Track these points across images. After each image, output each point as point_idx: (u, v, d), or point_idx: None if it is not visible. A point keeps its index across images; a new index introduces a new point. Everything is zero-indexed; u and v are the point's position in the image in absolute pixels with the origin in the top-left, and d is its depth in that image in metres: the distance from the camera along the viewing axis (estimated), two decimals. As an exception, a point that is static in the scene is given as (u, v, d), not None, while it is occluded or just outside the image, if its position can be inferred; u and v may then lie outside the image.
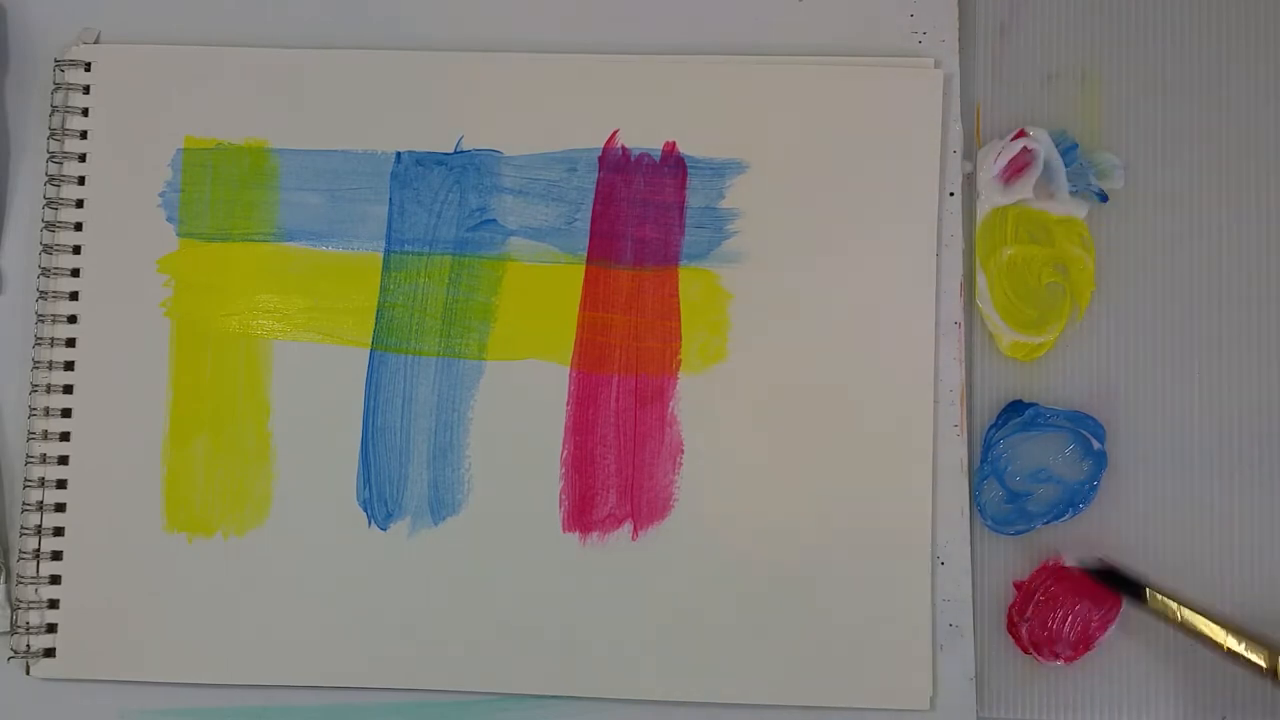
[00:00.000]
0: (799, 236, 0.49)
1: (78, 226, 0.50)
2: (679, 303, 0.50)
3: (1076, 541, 0.48)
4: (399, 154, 0.50)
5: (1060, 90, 0.51)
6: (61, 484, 0.49)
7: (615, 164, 0.50)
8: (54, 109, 0.50)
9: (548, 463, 0.49)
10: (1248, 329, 0.49)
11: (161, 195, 0.50)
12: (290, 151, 0.50)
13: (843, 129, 0.50)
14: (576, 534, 0.49)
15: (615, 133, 0.50)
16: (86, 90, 0.51)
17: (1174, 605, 0.46)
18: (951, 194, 0.50)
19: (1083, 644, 0.48)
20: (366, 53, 0.51)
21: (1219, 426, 0.49)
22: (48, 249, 0.50)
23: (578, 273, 0.50)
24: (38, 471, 0.49)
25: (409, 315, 0.50)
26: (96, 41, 0.51)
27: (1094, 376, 0.49)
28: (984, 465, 0.49)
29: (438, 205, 0.50)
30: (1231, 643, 0.45)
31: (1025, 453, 0.49)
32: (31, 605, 0.49)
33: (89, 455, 0.49)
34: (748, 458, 0.49)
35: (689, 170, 0.50)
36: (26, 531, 0.49)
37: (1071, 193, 0.50)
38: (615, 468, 0.49)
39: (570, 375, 0.49)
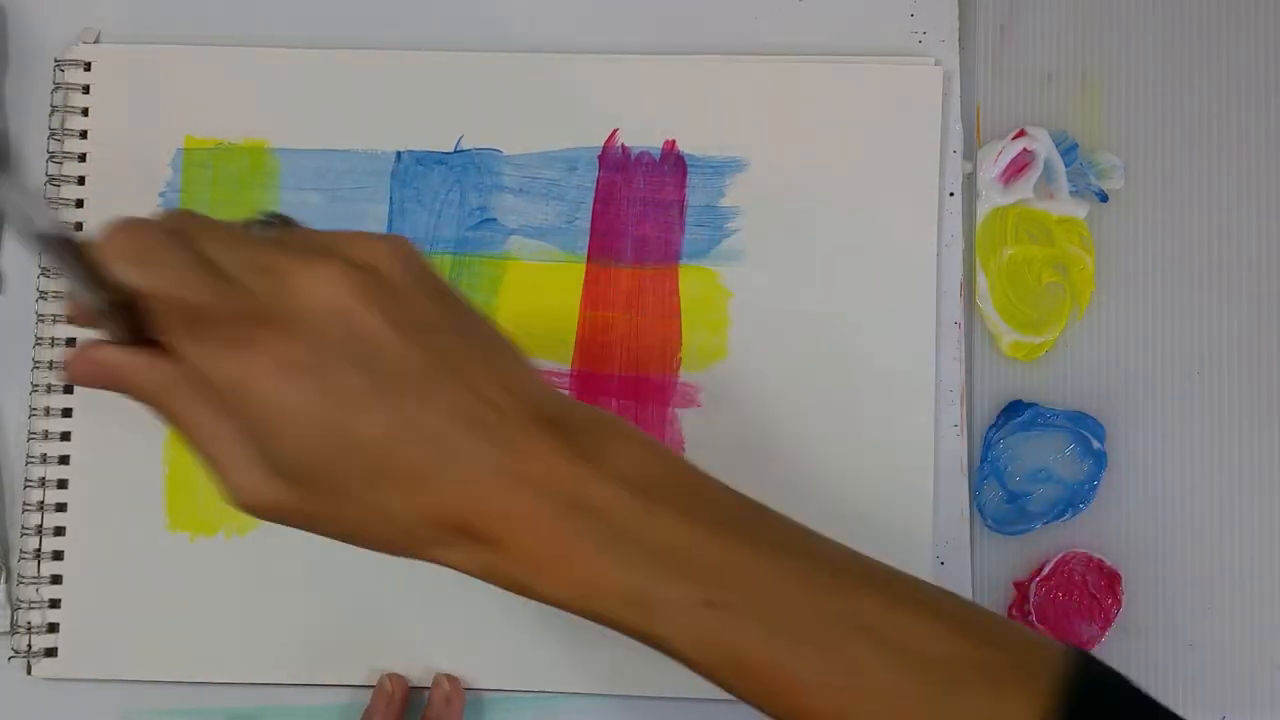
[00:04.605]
0: (799, 235, 0.49)
1: (78, 226, 0.50)
2: (679, 301, 0.50)
3: (1077, 542, 0.49)
4: (399, 153, 0.50)
5: (1060, 90, 0.51)
6: (63, 484, 0.49)
7: (615, 163, 0.50)
8: (54, 109, 0.50)
9: (548, 462, 0.49)
10: (1248, 329, 0.49)
11: (162, 195, 0.50)
12: (290, 151, 0.50)
13: (843, 128, 0.50)
14: (577, 533, 0.49)
15: (615, 132, 0.50)
16: (86, 90, 0.51)
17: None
18: (951, 194, 0.50)
19: (1081, 645, 0.48)
20: (367, 53, 0.51)
21: (1219, 426, 0.49)
22: (48, 249, 0.50)
23: (578, 271, 0.50)
24: (38, 472, 0.49)
25: (410, 315, 0.50)
26: (96, 41, 0.51)
27: (1094, 376, 0.49)
28: (984, 465, 0.49)
29: (438, 204, 0.50)
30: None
31: (1025, 453, 0.49)
32: (33, 605, 0.49)
33: (90, 455, 0.49)
34: (748, 456, 0.49)
35: (689, 168, 0.50)
36: (27, 531, 0.49)
37: (1071, 193, 0.50)
38: (616, 467, 0.49)
39: (571, 374, 0.49)
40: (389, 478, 0.30)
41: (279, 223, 0.33)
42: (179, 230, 0.30)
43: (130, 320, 0.30)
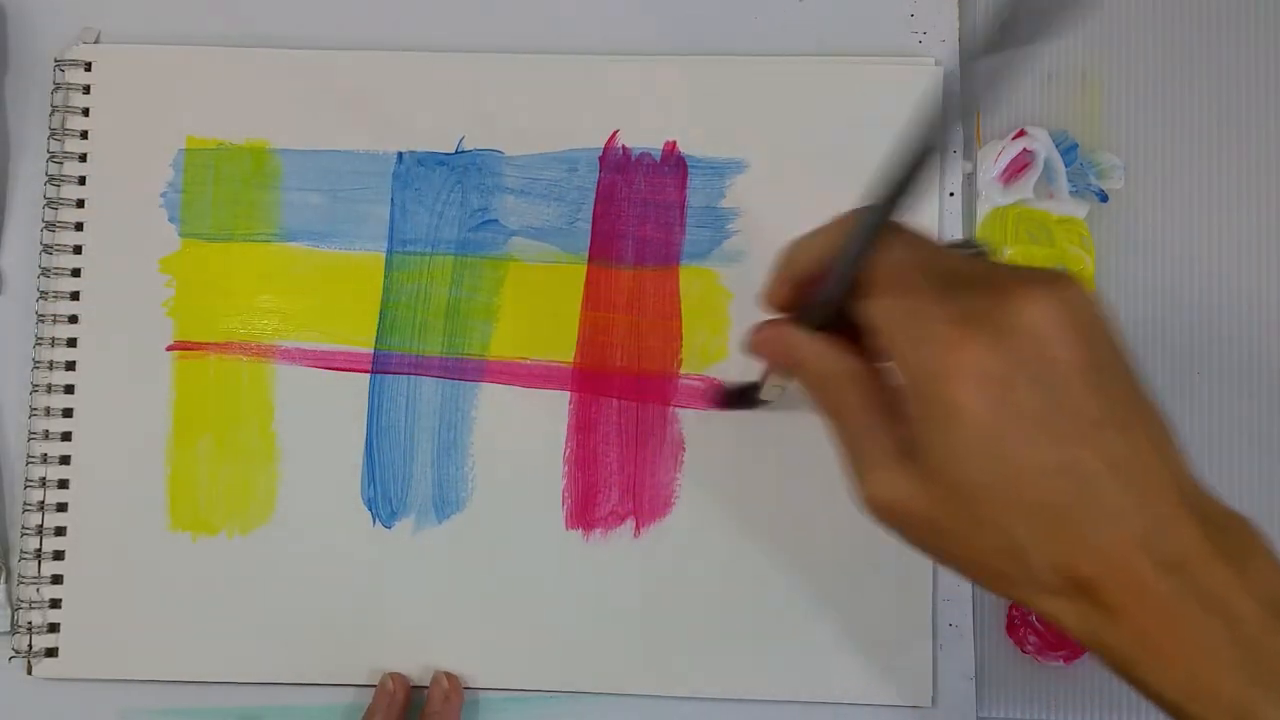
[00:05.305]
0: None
1: (78, 226, 0.50)
2: (680, 302, 0.50)
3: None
4: (400, 154, 0.50)
5: (1060, 90, 0.51)
6: (63, 484, 0.49)
7: (616, 164, 0.50)
8: (54, 109, 0.50)
9: (550, 461, 0.49)
10: (1247, 329, 0.50)
11: (163, 195, 0.50)
12: (292, 152, 0.50)
13: (843, 128, 0.50)
14: (579, 531, 0.49)
15: (615, 133, 0.50)
16: (86, 90, 0.51)
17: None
18: (951, 194, 0.50)
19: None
20: (367, 53, 0.51)
21: (1219, 427, 0.49)
22: (48, 249, 0.50)
23: (579, 272, 0.50)
24: (38, 471, 0.49)
25: (412, 315, 0.50)
26: (96, 41, 0.51)
27: (1094, 376, 0.49)
28: (985, 464, 0.49)
29: (439, 205, 0.50)
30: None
31: (1026, 452, 0.49)
32: (33, 605, 0.49)
33: (91, 455, 0.49)
34: (749, 455, 0.49)
35: (689, 170, 0.50)
36: (27, 531, 0.49)
37: (1071, 193, 0.50)
38: (617, 465, 0.49)
39: (572, 374, 0.49)
40: (1034, 510, 0.30)
41: (973, 248, 0.35)
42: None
43: (830, 309, 0.33)
